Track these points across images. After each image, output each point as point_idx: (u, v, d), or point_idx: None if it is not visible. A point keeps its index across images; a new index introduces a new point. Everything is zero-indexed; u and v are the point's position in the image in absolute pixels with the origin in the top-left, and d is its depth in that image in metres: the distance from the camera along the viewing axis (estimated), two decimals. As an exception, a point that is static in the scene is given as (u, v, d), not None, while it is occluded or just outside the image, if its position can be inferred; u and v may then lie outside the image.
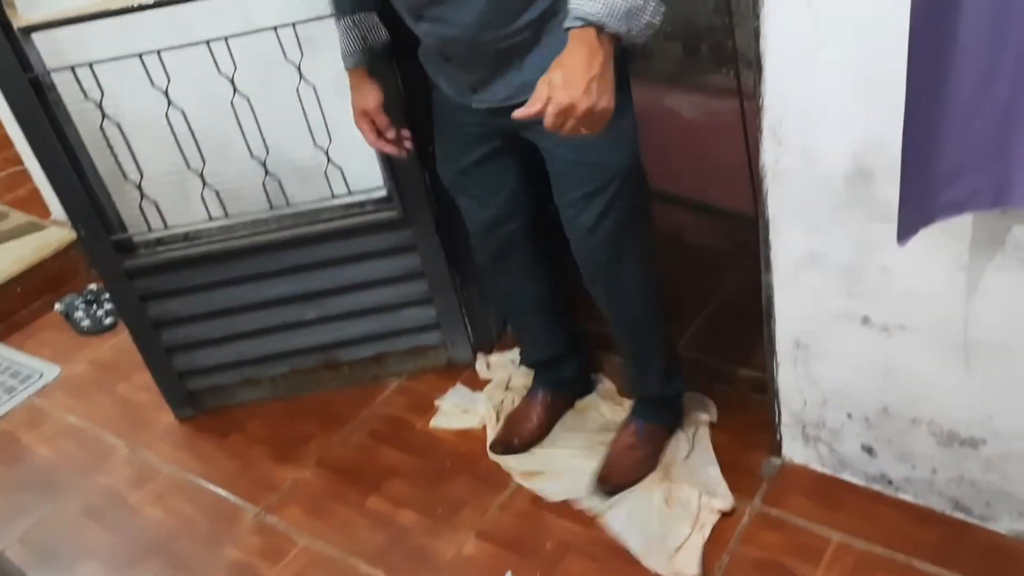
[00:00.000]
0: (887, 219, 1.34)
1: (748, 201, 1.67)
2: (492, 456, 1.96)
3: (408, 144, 1.74)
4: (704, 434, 1.89)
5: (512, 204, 1.71)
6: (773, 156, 1.43)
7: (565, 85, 1.17)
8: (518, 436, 1.97)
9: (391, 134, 1.70)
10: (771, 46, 1.33)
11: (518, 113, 1.22)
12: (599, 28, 1.15)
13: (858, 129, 1.31)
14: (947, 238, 1.29)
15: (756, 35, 1.33)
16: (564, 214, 1.61)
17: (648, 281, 1.70)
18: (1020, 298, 1.30)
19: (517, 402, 2.05)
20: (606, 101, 1.19)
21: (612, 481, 1.81)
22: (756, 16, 1.31)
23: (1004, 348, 1.36)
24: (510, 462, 1.94)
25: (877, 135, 1.29)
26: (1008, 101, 1.06)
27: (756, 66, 1.37)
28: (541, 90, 1.20)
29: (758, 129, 1.42)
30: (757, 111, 1.41)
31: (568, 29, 1.18)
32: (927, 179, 1.13)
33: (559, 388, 2.01)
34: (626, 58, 1.51)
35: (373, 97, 1.64)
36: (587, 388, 2.07)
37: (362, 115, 1.66)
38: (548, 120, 1.20)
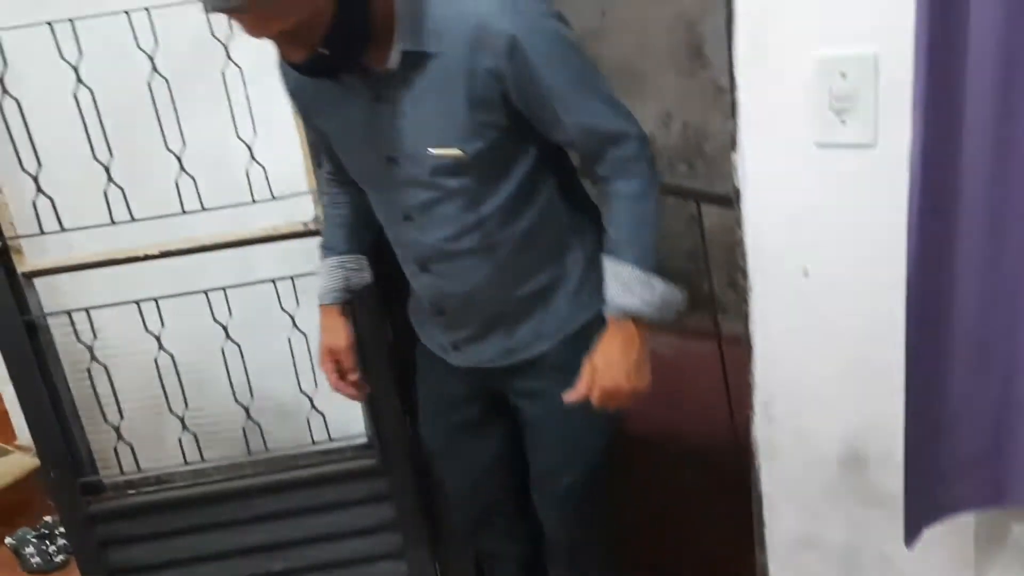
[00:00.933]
0: (883, 505, 1.32)
1: (730, 443, 1.67)
2: None
3: (367, 390, 1.68)
4: None
5: (494, 470, 1.67)
6: (765, 433, 1.43)
7: (608, 369, 1.31)
8: None
9: (354, 377, 1.61)
10: (761, 326, 1.38)
11: (568, 399, 1.33)
12: (636, 318, 1.29)
13: (850, 413, 1.32)
14: (948, 531, 1.27)
15: (746, 318, 1.38)
16: (536, 483, 1.60)
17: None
18: (1026, 598, 1.27)
19: (494, 675, 1.91)
20: (643, 382, 1.34)
21: None
22: (745, 300, 1.36)
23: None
24: None
25: (870, 420, 1.30)
26: (1000, 402, 1.08)
27: (746, 343, 1.41)
28: (586, 375, 1.32)
29: (749, 406, 1.43)
30: (748, 387, 1.43)
31: (608, 316, 1.32)
32: (928, 479, 1.13)
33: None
34: None
35: (344, 336, 1.58)
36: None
37: (329, 354, 1.59)
38: (595, 402, 1.33)
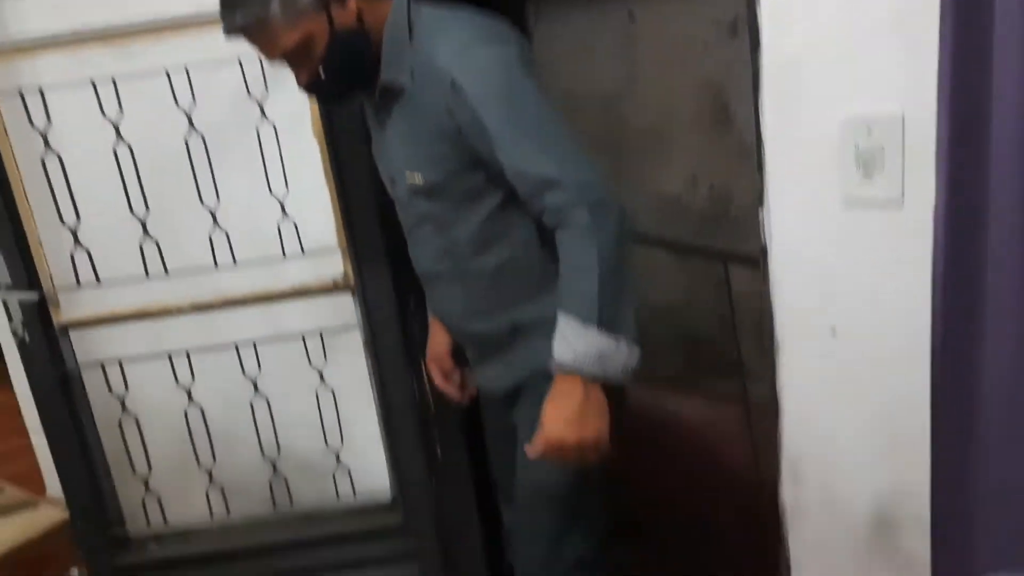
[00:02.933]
0: (912, 570, 1.29)
1: (757, 509, 1.62)
2: None
3: (471, 392, 1.71)
4: None
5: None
6: (792, 495, 1.41)
7: (550, 423, 1.27)
8: None
9: (456, 377, 1.68)
10: (788, 386, 1.36)
11: (530, 453, 1.30)
12: (574, 372, 1.24)
13: (881, 477, 1.29)
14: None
15: (773, 377, 1.37)
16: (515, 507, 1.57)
17: None
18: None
19: None
20: (592, 432, 1.27)
21: None
22: (774, 361, 1.35)
23: None
24: None
25: (902, 485, 1.27)
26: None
27: (773, 404, 1.40)
28: (539, 430, 1.29)
29: (776, 468, 1.41)
30: (776, 448, 1.41)
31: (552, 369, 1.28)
32: (958, 545, 1.10)
33: None
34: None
35: (439, 344, 1.66)
36: None
37: (432, 358, 1.69)
38: (543, 454, 1.29)
